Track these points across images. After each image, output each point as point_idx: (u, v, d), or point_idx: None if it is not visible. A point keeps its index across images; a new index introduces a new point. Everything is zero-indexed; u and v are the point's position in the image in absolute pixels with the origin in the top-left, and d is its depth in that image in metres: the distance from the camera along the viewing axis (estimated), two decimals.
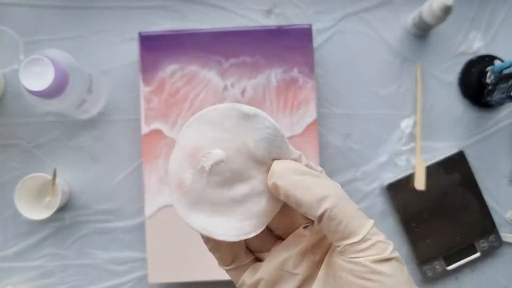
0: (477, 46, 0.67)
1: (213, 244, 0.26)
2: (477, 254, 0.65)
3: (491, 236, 0.65)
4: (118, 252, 0.65)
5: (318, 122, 0.66)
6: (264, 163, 0.24)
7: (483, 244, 0.65)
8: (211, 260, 0.61)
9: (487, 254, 0.66)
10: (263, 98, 0.61)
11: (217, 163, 0.23)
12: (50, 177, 0.61)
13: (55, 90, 0.53)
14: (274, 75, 0.61)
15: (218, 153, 0.23)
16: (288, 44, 0.62)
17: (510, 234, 0.67)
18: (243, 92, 0.62)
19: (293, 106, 0.61)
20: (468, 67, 0.67)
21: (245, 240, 0.26)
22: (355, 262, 0.23)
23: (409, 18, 0.66)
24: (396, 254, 0.25)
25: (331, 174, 0.66)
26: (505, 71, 0.60)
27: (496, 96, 0.62)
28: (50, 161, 0.65)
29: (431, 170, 0.65)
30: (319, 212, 0.23)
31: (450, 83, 0.67)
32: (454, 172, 0.65)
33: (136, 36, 0.65)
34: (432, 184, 0.65)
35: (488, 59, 0.67)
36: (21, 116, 0.65)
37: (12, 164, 0.65)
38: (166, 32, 0.62)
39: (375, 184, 0.66)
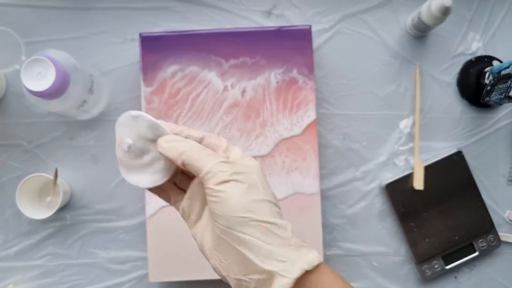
0: (475, 46, 0.68)
1: (154, 192, 0.42)
2: (476, 254, 0.66)
3: (490, 235, 0.66)
4: (118, 252, 0.66)
5: (318, 122, 0.66)
6: (155, 140, 0.39)
7: (481, 243, 0.66)
8: None
9: (486, 253, 0.66)
10: (263, 98, 0.62)
11: (130, 146, 0.39)
12: (51, 177, 0.61)
13: (56, 91, 0.53)
14: (274, 76, 0.62)
15: (128, 141, 0.40)
16: (288, 45, 0.62)
17: (508, 233, 0.67)
18: (243, 92, 0.62)
19: (293, 107, 0.62)
20: (466, 67, 0.67)
21: (177, 188, 0.42)
22: (206, 187, 0.36)
23: (408, 19, 0.67)
24: (236, 177, 0.35)
25: (330, 173, 0.66)
26: (504, 72, 0.61)
27: (495, 96, 0.62)
28: (51, 161, 0.66)
29: (429, 170, 0.65)
30: (180, 162, 0.37)
31: (448, 83, 0.68)
32: (453, 172, 0.66)
33: (137, 37, 0.65)
34: (431, 184, 0.65)
35: (486, 60, 0.67)
36: (22, 116, 0.66)
37: (14, 164, 0.65)
38: (167, 33, 0.62)
39: (374, 184, 0.67)
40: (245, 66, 0.62)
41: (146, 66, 0.62)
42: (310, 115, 0.62)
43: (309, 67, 0.62)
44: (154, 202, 0.61)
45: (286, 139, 0.62)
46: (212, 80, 0.62)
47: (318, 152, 0.62)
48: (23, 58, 0.64)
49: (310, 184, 0.61)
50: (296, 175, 0.61)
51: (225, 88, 0.62)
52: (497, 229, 0.66)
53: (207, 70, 0.62)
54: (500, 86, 0.61)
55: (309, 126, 0.62)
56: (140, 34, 0.62)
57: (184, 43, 0.62)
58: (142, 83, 0.62)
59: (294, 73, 0.62)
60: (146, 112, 0.61)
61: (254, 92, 0.62)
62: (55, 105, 0.56)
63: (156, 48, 0.62)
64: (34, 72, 0.52)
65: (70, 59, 0.57)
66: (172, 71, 0.62)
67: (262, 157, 0.62)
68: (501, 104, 0.65)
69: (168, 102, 0.62)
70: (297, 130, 0.62)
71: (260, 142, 0.62)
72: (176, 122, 0.62)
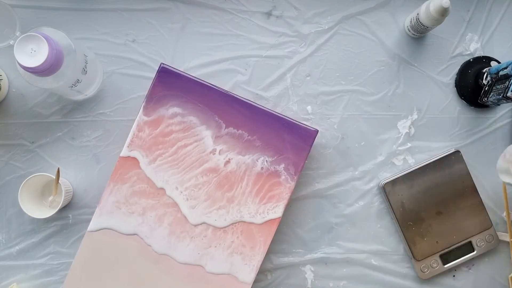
0: (473, 47, 0.68)
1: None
2: (474, 253, 0.66)
3: (488, 235, 0.66)
4: None
5: (317, 122, 0.67)
6: None
7: (479, 242, 0.66)
8: None
9: (484, 252, 0.67)
10: (242, 176, 0.61)
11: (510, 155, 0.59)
12: (53, 176, 0.62)
13: (49, 68, 0.52)
14: (261, 161, 0.61)
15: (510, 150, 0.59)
16: (288, 138, 0.61)
17: (506, 233, 0.67)
18: (226, 162, 0.61)
19: (265, 197, 0.61)
20: (464, 68, 0.68)
21: None
22: None
23: (406, 20, 0.67)
24: None
25: (329, 173, 0.67)
26: (502, 72, 0.61)
27: (493, 97, 0.63)
28: (53, 161, 0.66)
29: (428, 170, 0.66)
30: None
31: (447, 84, 0.68)
32: (451, 171, 0.66)
33: (138, 38, 0.66)
34: (429, 183, 0.66)
35: (484, 61, 0.68)
36: (25, 116, 0.66)
37: (16, 164, 0.66)
38: (186, 73, 0.61)
39: (372, 184, 0.67)
40: (240, 140, 0.61)
41: (152, 95, 0.61)
42: (276, 212, 0.61)
43: (296, 168, 0.61)
44: (101, 220, 0.60)
45: (244, 222, 0.61)
46: (205, 138, 0.61)
47: (268, 246, 0.60)
48: (18, 34, 0.64)
49: (247, 274, 0.60)
50: (238, 259, 0.60)
51: (213, 151, 0.61)
52: (495, 228, 0.67)
53: (204, 127, 0.61)
54: (498, 86, 0.62)
55: (271, 221, 0.61)
56: (161, 64, 0.61)
57: (196, 91, 0.61)
58: (141, 109, 0.61)
59: (281, 167, 0.61)
60: (133, 138, 0.60)
61: (237, 167, 0.61)
62: (47, 82, 0.55)
63: (170, 83, 0.61)
64: (27, 48, 0.52)
65: (65, 38, 0.56)
66: (173, 112, 0.61)
67: (214, 227, 0.61)
68: (499, 105, 0.65)
69: (156, 138, 0.61)
70: (259, 219, 0.61)
71: (220, 214, 0.61)
72: (154, 161, 0.61)
